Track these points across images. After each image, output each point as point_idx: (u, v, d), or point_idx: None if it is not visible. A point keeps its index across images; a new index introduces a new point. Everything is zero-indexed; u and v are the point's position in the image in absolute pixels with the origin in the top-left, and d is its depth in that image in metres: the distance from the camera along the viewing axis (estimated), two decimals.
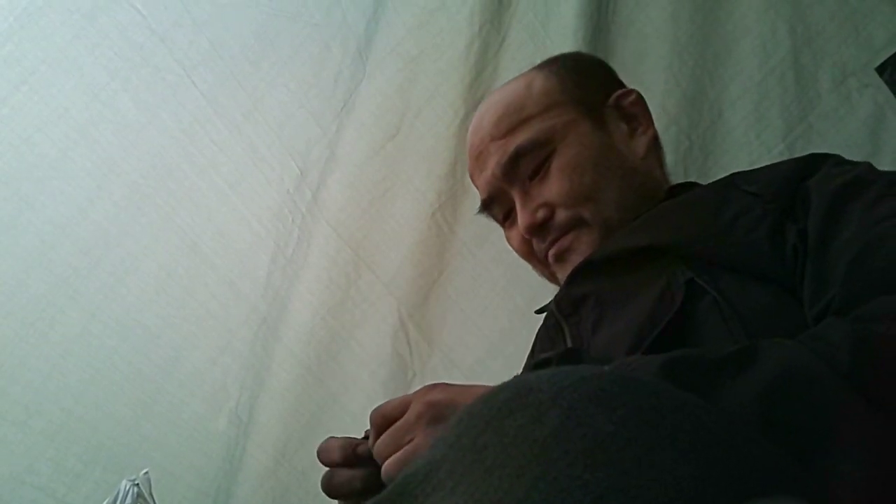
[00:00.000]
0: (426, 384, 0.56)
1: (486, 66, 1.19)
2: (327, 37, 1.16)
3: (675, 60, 1.15)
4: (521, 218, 0.77)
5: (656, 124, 0.81)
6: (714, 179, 1.15)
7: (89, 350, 1.11)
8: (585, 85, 0.81)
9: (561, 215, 0.76)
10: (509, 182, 0.78)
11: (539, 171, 0.77)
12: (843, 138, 1.11)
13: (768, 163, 1.13)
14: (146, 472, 0.90)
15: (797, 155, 1.13)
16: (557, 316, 0.70)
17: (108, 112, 1.11)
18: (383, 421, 0.57)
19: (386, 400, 1.10)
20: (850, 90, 1.10)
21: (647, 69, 1.16)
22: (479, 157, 0.82)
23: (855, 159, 1.10)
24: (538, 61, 1.17)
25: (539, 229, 0.77)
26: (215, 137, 1.14)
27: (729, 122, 1.15)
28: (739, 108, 1.15)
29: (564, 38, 1.16)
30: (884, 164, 1.10)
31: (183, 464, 1.13)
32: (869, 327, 0.44)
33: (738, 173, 0.71)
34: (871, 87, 1.09)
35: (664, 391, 0.32)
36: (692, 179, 1.12)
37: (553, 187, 0.76)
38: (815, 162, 0.65)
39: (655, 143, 0.83)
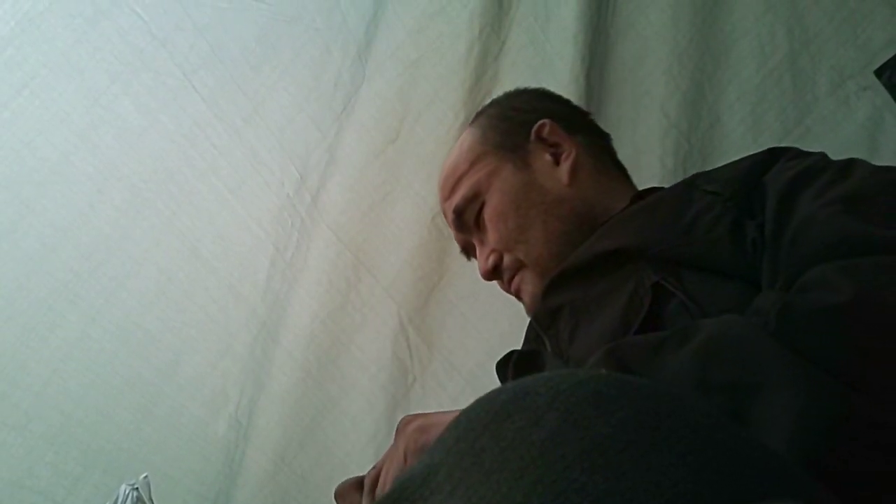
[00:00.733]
0: (403, 416, 0.58)
1: (487, 70, 1.19)
2: (328, 41, 1.16)
3: (675, 63, 1.16)
4: (479, 266, 0.84)
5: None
6: None
7: (89, 354, 1.11)
8: (506, 130, 0.85)
9: (506, 259, 0.81)
10: (467, 234, 0.86)
11: (479, 223, 0.83)
12: (840, 141, 1.11)
13: None
14: (146, 477, 0.90)
15: None
16: (537, 329, 0.72)
17: (108, 116, 1.11)
18: (377, 473, 0.59)
19: (386, 403, 1.11)
20: (848, 93, 1.11)
21: (647, 72, 1.16)
22: (444, 216, 0.90)
23: None
24: (538, 65, 1.18)
25: (494, 273, 0.83)
26: (216, 141, 1.15)
27: (727, 126, 1.15)
28: (738, 110, 1.15)
29: (564, 41, 1.16)
30: None
31: (182, 468, 1.13)
32: (794, 295, 0.47)
33: (700, 173, 0.73)
34: (869, 90, 1.09)
35: (662, 394, 0.32)
36: None
37: (491, 235, 0.82)
38: (773, 156, 0.66)
39: (588, 161, 0.84)
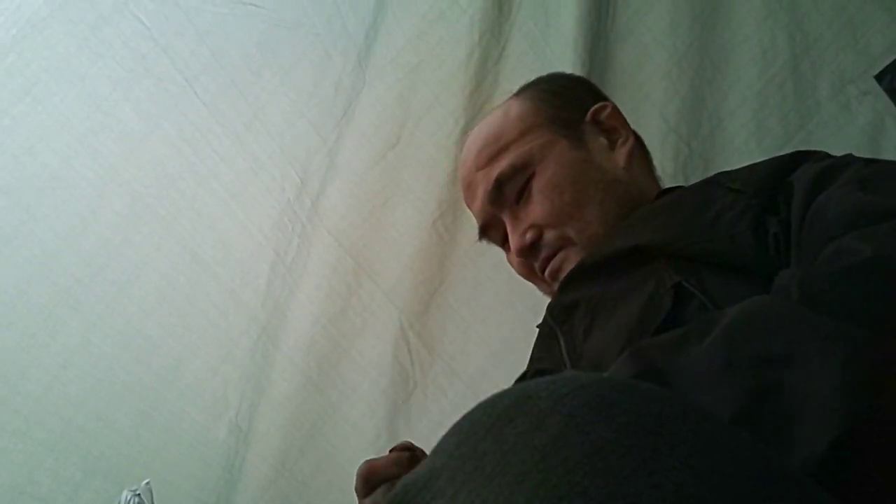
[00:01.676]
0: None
1: (487, 75, 1.19)
2: (328, 46, 1.17)
3: (674, 69, 1.16)
4: (512, 242, 0.79)
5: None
6: None
7: (90, 360, 1.11)
8: (560, 105, 0.83)
9: (549, 235, 0.77)
10: (498, 208, 0.81)
11: (523, 195, 0.79)
12: (842, 146, 1.11)
13: None
14: (147, 483, 0.90)
15: None
16: (551, 324, 0.71)
17: (110, 122, 1.11)
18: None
19: (387, 409, 1.11)
20: (849, 98, 1.11)
21: (647, 77, 1.17)
22: (469, 188, 0.85)
23: None
24: (538, 70, 1.18)
25: (530, 250, 0.78)
26: (217, 147, 1.15)
27: (729, 131, 1.15)
28: (739, 116, 1.15)
29: (564, 46, 1.16)
30: None
31: (183, 474, 1.13)
32: (811, 269, 0.47)
33: (723, 172, 0.72)
34: (870, 94, 1.09)
35: (665, 398, 0.31)
36: None
37: (537, 209, 0.77)
38: (799, 158, 0.66)
39: (639, 151, 0.84)
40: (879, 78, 1.08)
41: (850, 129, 1.11)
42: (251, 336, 1.16)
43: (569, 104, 0.83)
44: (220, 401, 1.15)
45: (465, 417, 0.34)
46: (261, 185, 1.17)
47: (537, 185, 0.77)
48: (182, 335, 1.14)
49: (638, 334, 0.57)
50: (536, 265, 0.80)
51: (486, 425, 0.32)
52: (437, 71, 1.18)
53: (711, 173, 1.14)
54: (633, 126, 0.88)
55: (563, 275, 0.76)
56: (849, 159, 0.62)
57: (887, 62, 1.08)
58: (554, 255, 0.78)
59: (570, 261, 0.76)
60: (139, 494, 0.88)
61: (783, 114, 1.13)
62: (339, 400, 1.18)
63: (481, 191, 0.82)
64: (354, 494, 0.66)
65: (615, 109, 0.83)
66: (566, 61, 1.16)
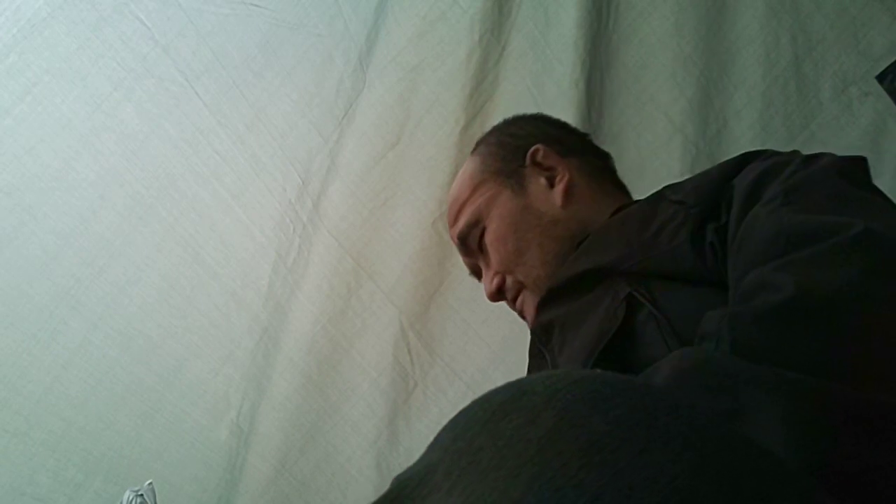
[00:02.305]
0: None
1: (487, 76, 1.19)
2: (330, 47, 1.17)
3: (680, 70, 1.16)
4: (484, 288, 0.87)
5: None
6: None
7: (91, 361, 1.11)
8: (504, 155, 0.88)
9: (508, 281, 0.84)
10: (472, 258, 0.90)
11: (482, 247, 0.86)
12: (844, 146, 1.12)
13: None
14: (150, 483, 0.90)
15: None
16: (538, 345, 0.75)
17: (111, 122, 1.11)
18: None
19: (387, 409, 1.12)
20: (851, 99, 1.11)
21: (652, 79, 1.17)
22: (452, 242, 0.94)
23: None
24: (538, 70, 1.18)
25: (498, 295, 0.85)
26: (218, 147, 1.15)
27: (734, 131, 1.16)
28: (745, 116, 1.16)
29: (565, 47, 1.17)
30: (885, 172, 1.10)
31: (184, 475, 1.13)
32: (737, 306, 0.47)
33: (669, 185, 0.75)
34: (871, 95, 1.10)
35: (657, 393, 0.32)
36: None
37: (492, 259, 0.85)
38: (745, 160, 0.67)
39: (582, 179, 0.86)
40: (881, 79, 1.09)
41: (851, 129, 1.12)
42: (252, 337, 1.16)
43: (512, 152, 0.88)
44: (221, 401, 1.15)
45: (460, 414, 0.34)
46: (262, 186, 1.17)
47: (487, 238, 0.85)
48: (183, 336, 1.14)
49: (598, 346, 0.60)
50: (511, 306, 0.87)
51: (481, 420, 0.32)
52: (438, 71, 1.19)
53: None
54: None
55: (528, 314, 0.83)
56: (787, 159, 0.62)
57: (889, 63, 1.09)
58: (516, 297, 0.84)
59: (528, 303, 0.82)
60: (142, 495, 0.88)
61: (787, 114, 1.14)
62: (339, 400, 1.18)
63: (456, 246, 0.91)
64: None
65: (546, 149, 0.86)
66: (566, 62, 1.16)
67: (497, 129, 0.95)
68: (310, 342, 1.17)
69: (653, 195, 0.74)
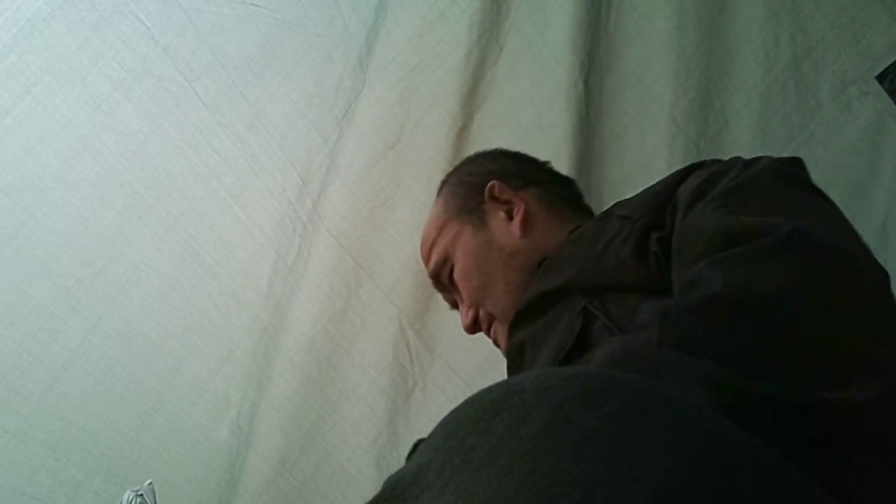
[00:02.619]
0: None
1: (485, 75, 1.19)
2: (329, 47, 1.17)
3: (682, 70, 1.16)
4: (461, 321, 0.90)
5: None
6: None
7: (90, 360, 1.10)
8: (465, 194, 0.92)
9: (481, 313, 0.87)
10: (449, 294, 0.94)
11: (454, 283, 0.90)
12: (843, 146, 1.12)
13: None
14: (150, 483, 0.90)
15: None
16: (514, 366, 0.78)
17: (111, 122, 1.11)
18: None
19: (386, 408, 1.13)
20: (850, 98, 1.11)
21: (656, 79, 1.17)
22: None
23: (856, 167, 1.11)
24: (536, 70, 1.18)
25: (474, 327, 0.89)
26: (218, 147, 1.15)
27: (734, 131, 1.16)
28: (744, 116, 1.16)
29: (563, 48, 1.17)
30: (884, 172, 1.10)
31: (184, 475, 1.13)
32: (673, 299, 0.50)
33: (618, 202, 0.78)
34: (871, 95, 1.10)
35: (648, 388, 0.32)
36: None
37: (463, 294, 0.88)
38: (689, 170, 0.70)
39: (539, 207, 0.89)
40: (881, 79, 1.09)
41: (851, 129, 1.12)
42: (252, 336, 1.16)
43: (472, 191, 0.91)
44: (221, 401, 1.15)
45: (451, 413, 0.35)
46: (262, 186, 1.17)
47: (455, 275, 0.88)
48: (183, 336, 1.14)
49: (558, 357, 0.63)
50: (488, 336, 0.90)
51: (472, 419, 0.32)
52: (437, 71, 1.18)
53: None
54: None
55: (501, 343, 0.86)
56: (728, 166, 0.65)
57: (888, 63, 1.09)
58: (489, 328, 0.88)
59: (500, 332, 0.85)
60: (142, 495, 0.88)
61: (786, 114, 1.14)
62: (338, 400, 1.18)
63: (432, 284, 0.95)
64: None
65: (501, 184, 0.89)
66: (564, 62, 1.17)
67: (457, 170, 0.99)
68: (310, 342, 1.17)
69: (602, 213, 0.79)
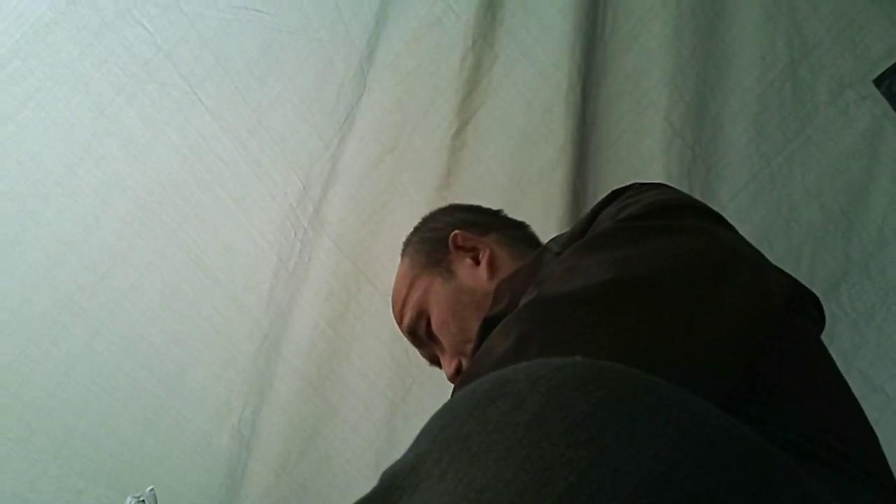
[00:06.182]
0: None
1: (480, 81, 1.19)
2: (331, 52, 1.17)
3: (679, 74, 1.16)
4: (445, 373, 0.91)
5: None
6: (716, 192, 1.16)
7: (93, 367, 1.10)
8: (429, 249, 0.95)
9: (463, 362, 0.88)
10: (428, 349, 0.94)
11: (433, 336, 0.91)
12: (840, 150, 1.12)
13: (768, 176, 1.15)
14: (152, 489, 0.90)
15: (795, 168, 1.14)
16: None
17: (113, 128, 1.11)
18: None
19: (384, 408, 1.15)
20: (847, 102, 1.12)
21: (653, 83, 1.17)
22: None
23: (853, 171, 1.12)
24: (532, 76, 1.19)
25: (458, 375, 0.89)
26: (220, 153, 1.15)
27: (730, 135, 1.16)
28: (740, 120, 1.16)
29: (559, 53, 1.17)
30: (882, 176, 1.11)
31: (186, 481, 1.13)
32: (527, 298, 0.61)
33: (555, 237, 0.83)
34: (868, 99, 1.10)
35: (636, 375, 0.34)
36: (696, 193, 1.14)
37: (443, 344, 0.89)
38: (610, 199, 0.73)
39: (502, 249, 0.93)
40: (878, 82, 1.09)
41: (848, 133, 1.12)
42: (254, 342, 1.16)
43: (435, 245, 0.95)
44: (223, 407, 1.15)
45: (446, 405, 0.36)
46: (264, 191, 1.17)
47: (433, 326, 0.90)
48: (185, 341, 1.14)
49: None
50: None
51: (467, 408, 0.34)
52: (434, 75, 1.19)
53: (713, 178, 1.16)
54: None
55: None
56: (624, 202, 0.70)
57: (886, 67, 1.09)
58: None
59: None
60: (143, 501, 0.87)
61: (782, 118, 1.14)
62: (338, 403, 1.18)
63: (409, 341, 0.97)
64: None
65: (463, 233, 0.93)
66: (561, 67, 1.17)
67: (417, 229, 1.02)
68: (310, 346, 1.17)
69: (539, 249, 0.82)
